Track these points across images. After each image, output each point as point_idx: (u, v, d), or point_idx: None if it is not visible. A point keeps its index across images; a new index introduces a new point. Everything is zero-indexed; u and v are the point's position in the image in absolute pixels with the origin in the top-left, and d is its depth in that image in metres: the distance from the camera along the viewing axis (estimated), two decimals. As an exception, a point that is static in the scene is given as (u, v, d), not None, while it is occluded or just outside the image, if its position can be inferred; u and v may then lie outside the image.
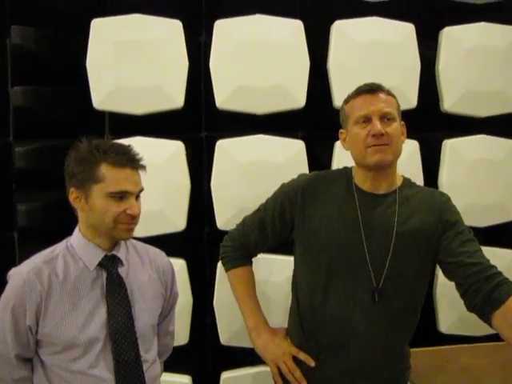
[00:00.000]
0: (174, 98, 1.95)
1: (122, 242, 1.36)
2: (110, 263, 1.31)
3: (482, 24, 2.10)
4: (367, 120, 1.41)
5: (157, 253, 1.47)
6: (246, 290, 1.63)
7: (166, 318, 1.47)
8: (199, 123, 2.10)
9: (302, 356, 1.48)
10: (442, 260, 1.41)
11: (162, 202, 1.94)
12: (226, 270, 1.66)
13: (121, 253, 1.34)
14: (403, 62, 2.04)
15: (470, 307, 1.32)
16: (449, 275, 1.41)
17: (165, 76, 1.93)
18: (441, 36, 2.10)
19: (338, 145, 2.02)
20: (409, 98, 2.05)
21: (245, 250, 1.64)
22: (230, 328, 1.99)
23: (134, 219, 1.28)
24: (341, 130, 1.53)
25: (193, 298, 2.00)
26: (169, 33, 1.94)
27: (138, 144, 1.93)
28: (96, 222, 1.28)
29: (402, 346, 1.51)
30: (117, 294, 1.29)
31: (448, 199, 1.50)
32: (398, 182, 1.50)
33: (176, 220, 1.97)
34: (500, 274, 1.31)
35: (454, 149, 2.10)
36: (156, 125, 2.01)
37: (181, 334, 1.99)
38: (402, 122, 1.49)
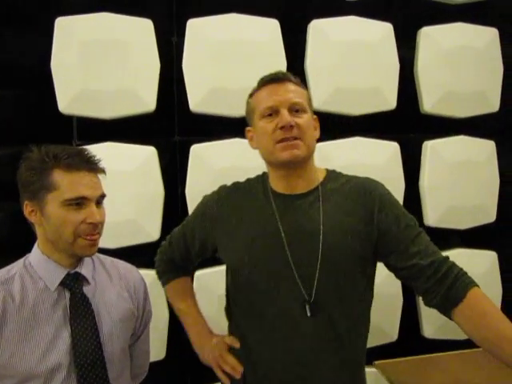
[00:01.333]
0: (146, 101, 1.86)
1: (87, 258, 1.24)
2: (73, 282, 1.18)
3: (459, 24, 2.08)
4: (274, 112, 1.25)
5: (128, 268, 1.34)
6: (182, 304, 1.53)
7: (139, 339, 1.35)
8: (172, 127, 2.02)
9: (228, 340, 1.38)
10: (390, 263, 1.27)
11: (134, 210, 1.86)
12: (162, 284, 1.57)
13: (85, 270, 1.21)
14: (382, 63, 2.00)
15: (430, 306, 1.24)
16: (400, 278, 1.29)
17: (135, 78, 1.84)
18: (419, 36, 2.07)
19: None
20: (388, 99, 2.02)
21: (173, 264, 1.52)
22: (208, 341, 1.90)
23: (96, 229, 1.15)
24: (247, 128, 1.37)
25: (169, 312, 1.90)
26: (139, 32, 1.85)
27: (109, 150, 1.88)
28: (54, 237, 1.15)
29: (355, 368, 1.32)
30: (82, 316, 1.16)
31: (382, 188, 1.31)
32: (321, 177, 1.33)
33: (150, 229, 1.88)
34: (452, 266, 1.21)
35: (434, 150, 2.06)
36: (127, 129, 1.92)
37: (157, 349, 1.91)
38: (315, 116, 1.34)
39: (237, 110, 1.93)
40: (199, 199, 1.85)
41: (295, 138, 1.23)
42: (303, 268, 1.24)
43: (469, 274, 1.21)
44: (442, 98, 2.06)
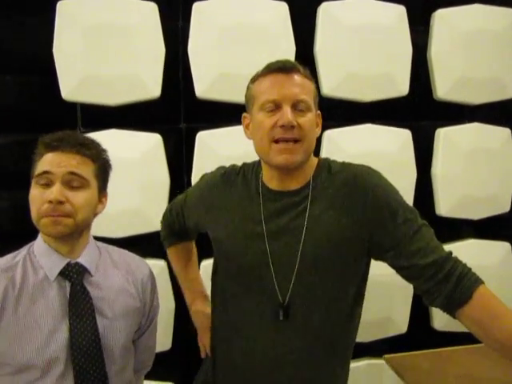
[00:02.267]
0: (151, 87, 1.82)
1: (92, 248, 1.19)
2: (73, 272, 1.14)
3: (476, 6, 2.00)
4: (276, 107, 1.15)
5: (137, 262, 1.29)
6: (180, 267, 1.55)
7: (144, 334, 1.30)
8: (178, 114, 1.98)
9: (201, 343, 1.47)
10: (389, 262, 1.18)
11: (139, 199, 1.82)
12: (165, 247, 1.58)
13: (88, 260, 1.17)
14: (394, 47, 1.93)
15: (432, 306, 1.15)
16: (401, 275, 1.19)
17: (140, 64, 1.79)
18: (433, 19, 1.99)
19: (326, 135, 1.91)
20: (400, 85, 1.96)
21: (174, 230, 1.52)
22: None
23: (55, 210, 1.06)
24: (244, 114, 1.28)
25: (175, 302, 1.88)
26: (144, 16, 1.79)
27: (113, 137, 1.84)
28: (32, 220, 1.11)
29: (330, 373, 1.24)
30: (81, 308, 1.11)
31: (377, 178, 1.19)
32: (312, 168, 1.23)
33: (155, 218, 1.81)
34: (456, 264, 1.13)
35: (447, 138, 2.00)
36: (131, 116, 1.88)
37: (163, 339, 1.89)
38: (318, 112, 1.24)
39: (243, 96, 1.89)
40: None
41: (295, 140, 1.14)
42: (281, 269, 1.18)
43: (473, 271, 1.14)
44: (455, 84, 2.00)
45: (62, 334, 1.10)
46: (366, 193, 1.16)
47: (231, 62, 1.84)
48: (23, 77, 1.89)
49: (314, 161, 1.25)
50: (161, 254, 1.89)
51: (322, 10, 1.90)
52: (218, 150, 1.86)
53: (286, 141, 1.14)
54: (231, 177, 1.31)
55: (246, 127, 1.27)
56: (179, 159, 1.95)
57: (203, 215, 1.33)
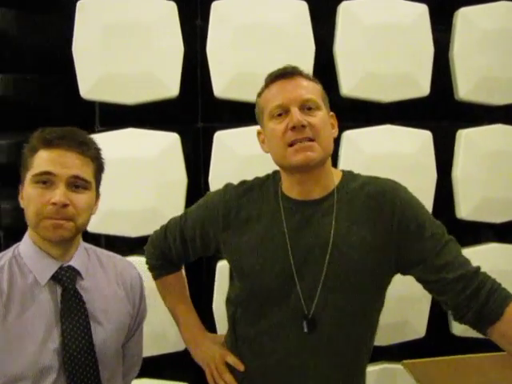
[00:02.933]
0: (169, 85, 1.81)
1: (81, 251, 1.14)
2: (66, 276, 1.08)
3: (501, 4, 1.96)
4: (284, 111, 1.14)
5: (125, 265, 1.25)
6: (175, 299, 1.46)
7: (131, 338, 1.25)
8: (196, 113, 1.96)
9: (231, 360, 1.31)
10: (415, 276, 1.17)
11: (155, 198, 1.81)
12: (153, 278, 1.48)
13: (80, 263, 1.12)
14: (415, 46, 1.90)
15: (461, 322, 1.13)
16: (427, 290, 1.18)
17: (158, 62, 1.78)
18: (456, 18, 1.95)
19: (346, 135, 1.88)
20: (421, 85, 1.92)
21: (166, 258, 1.44)
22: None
23: (59, 213, 1.02)
24: (258, 130, 1.27)
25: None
26: (162, 15, 1.79)
27: (130, 136, 1.84)
28: (28, 220, 1.05)
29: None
30: (74, 313, 1.06)
31: (404, 192, 1.18)
32: (337, 180, 1.21)
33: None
34: (485, 279, 1.10)
35: (469, 139, 1.96)
36: (149, 115, 1.87)
37: (178, 340, 1.87)
38: (332, 113, 1.22)
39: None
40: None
41: (309, 140, 1.11)
42: (306, 281, 1.16)
43: (504, 287, 1.11)
44: (478, 84, 1.95)
45: (55, 342, 1.05)
46: (393, 207, 1.15)
47: (250, 61, 1.82)
48: (44, 75, 1.90)
49: (338, 172, 1.24)
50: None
51: (343, 9, 1.87)
52: (236, 149, 1.84)
53: (301, 141, 1.12)
54: (245, 191, 1.28)
55: (262, 142, 1.25)
56: (196, 159, 1.94)
57: (219, 234, 1.28)
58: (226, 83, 1.82)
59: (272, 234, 1.20)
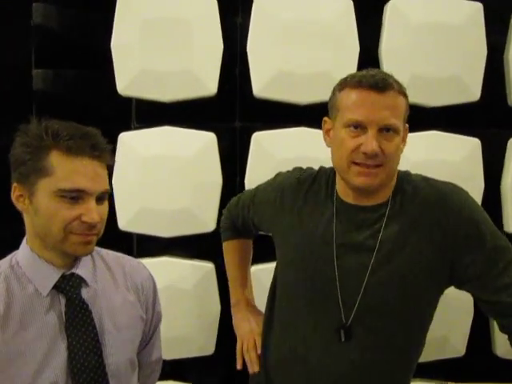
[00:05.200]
0: (207, 84, 1.77)
1: (86, 256, 1.05)
2: (69, 285, 1.00)
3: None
4: (361, 128, 1.07)
5: (134, 266, 1.16)
6: (233, 264, 1.49)
7: (147, 345, 1.17)
8: (233, 112, 1.92)
9: (251, 355, 1.33)
10: (471, 292, 1.10)
11: (190, 199, 1.78)
12: (222, 239, 1.53)
13: (84, 270, 1.04)
14: (467, 48, 1.79)
15: None
16: (484, 310, 1.11)
17: (197, 60, 1.74)
18: (513, 18, 1.84)
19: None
20: (471, 90, 1.81)
21: (235, 225, 1.46)
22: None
23: (92, 229, 0.96)
24: (325, 118, 1.19)
25: (221, 306, 1.83)
26: (202, 12, 1.75)
27: (165, 135, 1.81)
28: (42, 231, 0.96)
29: None
30: (80, 325, 0.98)
31: (464, 198, 1.10)
32: (393, 183, 1.15)
33: (205, 219, 1.80)
34: None
35: (521, 148, 1.85)
36: (186, 113, 1.84)
37: (207, 343, 1.85)
38: (406, 126, 1.16)
39: (304, 96, 1.82)
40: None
41: (376, 165, 1.06)
42: (348, 287, 1.11)
43: None
44: (534, 90, 1.84)
45: (60, 357, 0.97)
46: (451, 214, 1.07)
47: (291, 60, 1.76)
48: (83, 71, 1.90)
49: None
50: (209, 256, 1.85)
51: (390, 7, 1.78)
52: (274, 151, 1.79)
53: (367, 167, 1.06)
54: (306, 182, 1.25)
55: (326, 133, 1.18)
56: (233, 159, 1.90)
57: (271, 217, 1.27)
58: (265, 82, 1.77)
59: (320, 231, 1.16)
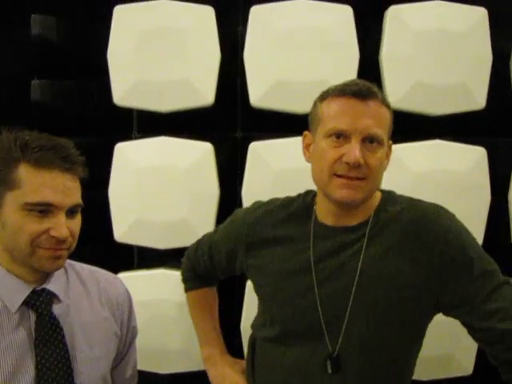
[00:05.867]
0: (204, 93, 1.74)
1: (59, 270, 1.02)
2: (40, 301, 0.98)
3: None
4: (344, 138, 1.02)
5: (109, 280, 1.14)
6: (199, 315, 1.43)
7: (122, 361, 1.15)
8: (234, 122, 1.90)
9: None
10: (460, 319, 1.04)
11: (186, 210, 1.75)
12: (184, 290, 1.46)
13: (56, 285, 1.01)
14: (471, 54, 1.73)
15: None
16: (474, 338, 1.05)
17: (193, 69, 1.72)
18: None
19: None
20: (476, 98, 1.75)
21: (196, 273, 1.40)
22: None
23: (61, 244, 0.93)
24: (305, 132, 1.15)
25: (220, 320, 1.78)
26: (198, 21, 1.73)
27: (162, 145, 1.79)
28: (9, 245, 0.94)
29: None
30: (50, 342, 0.96)
31: (450, 220, 1.05)
32: (375, 204, 1.10)
33: (202, 231, 1.74)
34: None
35: (529, 158, 1.78)
36: (186, 123, 1.82)
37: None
38: (390, 142, 1.12)
39: (302, 105, 1.77)
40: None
41: (359, 178, 1.01)
42: (331, 316, 1.05)
43: None
44: (542, 97, 1.77)
45: (28, 376, 0.94)
46: (437, 237, 1.02)
47: (289, 68, 1.73)
48: (82, 81, 1.90)
49: (378, 194, 1.12)
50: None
51: (390, 14, 1.74)
52: (272, 162, 1.75)
53: (350, 179, 1.01)
54: (273, 213, 1.19)
55: (306, 148, 1.14)
56: (233, 170, 1.87)
57: (243, 254, 1.21)
58: (263, 92, 1.74)
59: (297, 260, 1.10)
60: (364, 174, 1.02)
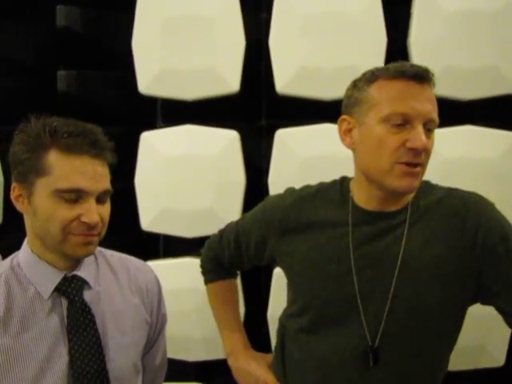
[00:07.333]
0: (229, 81, 1.73)
1: (89, 257, 1.02)
2: (71, 288, 0.98)
3: None
4: (404, 123, 0.97)
5: (139, 267, 1.13)
6: (221, 308, 1.38)
7: (152, 349, 1.14)
8: (258, 110, 1.88)
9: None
10: (498, 307, 1.02)
11: (212, 198, 1.74)
12: (204, 282, 1.41)
13: (87, 271, 1.01)
14: (503, 36, 1.67)
15: None
16: (509, 325, 1.02)
17: (218, 57, 1.71)
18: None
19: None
20: (509, 81, 1.70)
21: (219, 263, 1.36)
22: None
23: (92, 229, 0.93)
24: (343, 117, 1.08)
25: (246, 309, 1.78)
26: (223, 8, 1.71)
27: (188, 133, 1.79)
28: (41, 232, 0.94)
29: None
30: (82, 328, 0.96)
31: (490, 209, 1.03)
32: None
33: (228, 220, 1.74)
34: None
35: None
36: (211, 111, 1.81)
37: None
38: None
39: (328, 91, 1.75)
40: (282, 190, 1.72)
41: (419, 165, 0.98)
42: (371, 305, 1.01)
43: None
44: None
45: (62, 361, 0.95)
46: (477, 225, 1.00)
47: (315, 54, 1.70)
48: (107, 71, 1.90)
49: None
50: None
51: (420, -4, 1.70)
52: (298, 150, 1.73)
53: (415, 166, 0.98)
54: (308, 197, 1.16)
55: (345, 133, 1.07)
56: (259, 158, 1.85)
57: (275, 241, 1.17)
58: (288, 78, 1.72)
59: (335, 245, 1.07)
60: (423, 161, 0.99)
